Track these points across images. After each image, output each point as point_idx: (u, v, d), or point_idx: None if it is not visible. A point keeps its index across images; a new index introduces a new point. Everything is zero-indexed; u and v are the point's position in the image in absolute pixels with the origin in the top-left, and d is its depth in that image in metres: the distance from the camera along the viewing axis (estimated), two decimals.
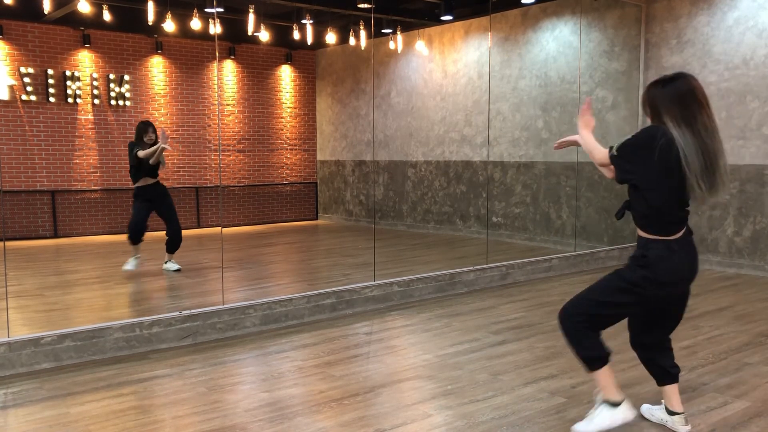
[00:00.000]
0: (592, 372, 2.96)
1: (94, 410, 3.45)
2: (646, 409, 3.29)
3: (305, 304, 5.27)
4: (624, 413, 2.94)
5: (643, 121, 7.96)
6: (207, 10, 8.97)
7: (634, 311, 3.06)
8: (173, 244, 7.02)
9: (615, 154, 2.99)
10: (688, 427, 3.11)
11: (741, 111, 7.11)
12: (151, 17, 8.28)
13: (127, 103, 10.45)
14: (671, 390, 3.12)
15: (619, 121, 8.16)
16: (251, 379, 3.96)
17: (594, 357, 2.95)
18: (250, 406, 3.50)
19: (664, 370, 3.14)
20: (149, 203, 6.91)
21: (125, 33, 10.34)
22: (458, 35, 9.99)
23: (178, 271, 6.96)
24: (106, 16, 8.80)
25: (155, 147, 6.70)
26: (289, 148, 12.35)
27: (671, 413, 3.13)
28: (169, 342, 4.58)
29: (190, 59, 11.04)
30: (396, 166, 11.12)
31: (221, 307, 4.88)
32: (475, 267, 6.45)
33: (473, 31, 9.78)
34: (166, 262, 7.05)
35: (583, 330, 2.95)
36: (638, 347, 3.21)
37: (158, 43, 10.64)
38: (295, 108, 12.39)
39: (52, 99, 9.88)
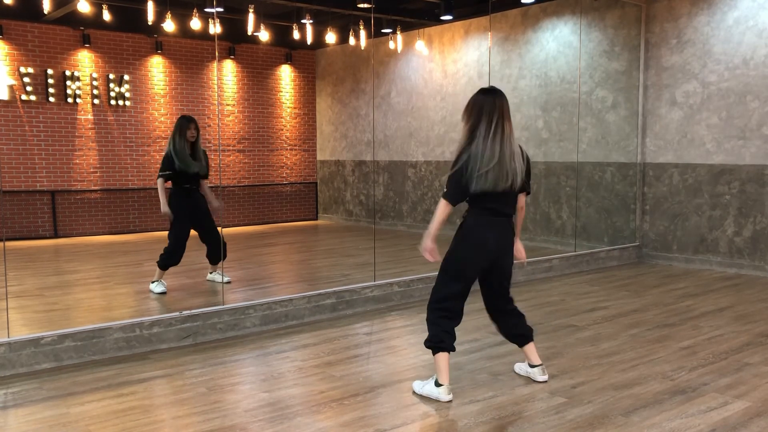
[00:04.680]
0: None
1: (94, 410, 3.45)
2: (517, 366, 3.99)
3: (305, 305, 5.27)
4: (441, 393, 3.57)
5: (643, 121, 7.96)
6: (207, 10, 8.97)
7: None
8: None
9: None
10: (545, 377, 3.82)
11: (741, 111, 7.10)
12: (150, 17, 8.27)
13: (127, 103, 10.45)
14: (529, 348, 3.82)
15: (619, 121, 8.16)
16: (251, 379, 3.96)
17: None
18: (250, 406, 3.50)
19: (523, 335, 3.81)
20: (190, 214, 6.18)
21: (125, 33, 10.34)
22: (458, 35, 9.99)
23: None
24: (106, 16, 8.80)
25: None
26: (289, 148, 12.35)
27: (532, 366, 3.85)
28: (169, 342, 4.58)
29: (190, 59, 11.04)
30: (396, 166, 11.12)
31: (221, 307, 4.88)
32: None
33: (473, 31, 9.78)
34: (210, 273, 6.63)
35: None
36: (500, 321, 3.85)
37: (158, 43, 10.64)
38: (295, 108, 12.39)
39: (51, 99, 9.88)
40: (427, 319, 3.65)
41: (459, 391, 3.69)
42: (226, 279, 6.35)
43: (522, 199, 3.72)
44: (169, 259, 6.06)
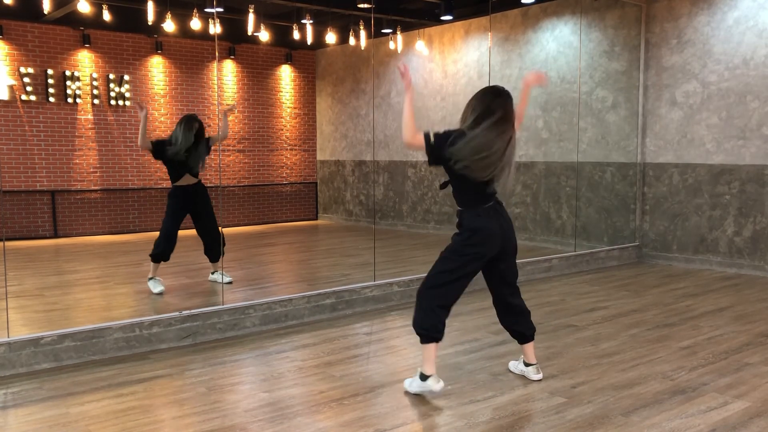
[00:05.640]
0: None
1: (94, 410, 3.45)
2: (511, 365, 4.01)
3: (305, 304, 5.27)
4: (431, 384, 3.54)
5: (643, 121, 7.96)
6: (207, 10, 8.97)
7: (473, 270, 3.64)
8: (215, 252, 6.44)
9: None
10: (540, 376, 3.84)
11: (741, 111, 7.10)
12: (151, 17, 8.27)
13: (127, 103, 10.45)
14: (527, 347, 3.85)
15: (619, 121, 8.16)
16: (251, 379, 3.96)
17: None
18: (250, 406, 3.50)
19: (522, 333, 3.84)
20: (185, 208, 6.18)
21: (125, 33, 10.34)
22: (458, 35, 9.99)
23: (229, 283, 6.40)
24: (106, 16, 8.80)
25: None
26: (289, 148, 12.35)
27: (527, 365, 3.87)
28: (169, 342, 4.58)
29: (190, 59, 11.04)
30: (396, 166, 11.11)
31: (221, 307, 4.88)
32: None
33: (473, 31, 9.78)
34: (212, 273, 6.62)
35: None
36: (502, 314, 3.85)
37: (158, 43, 10.64)
38: (295, 108, 12.39)
39: (51, 99, 9.88)
40: (421, 307, 3.59)
41: (459, 391, 3.69)
42: (227, 279, 6.36)
43: None
44: (158, 248, 6.02)
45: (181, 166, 6.11)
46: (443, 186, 3.74)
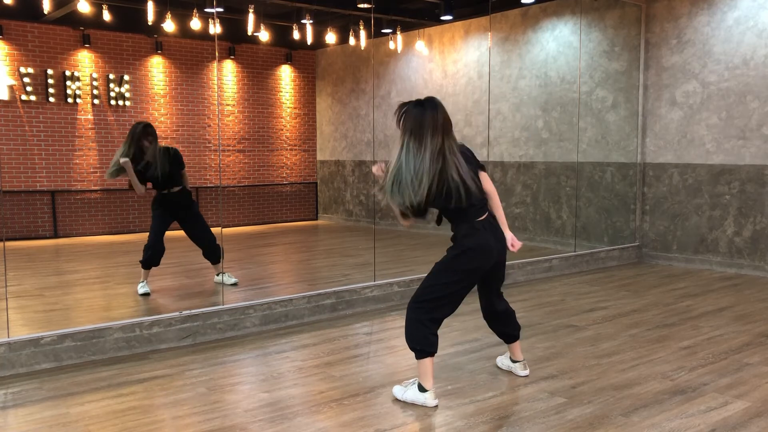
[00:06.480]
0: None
1: (94, 410, 3.45)
2: (498, 360, 4.07)
3: (305, 305, 5.27)
4: (428, 398, 3.48)
5: (643, 121, 7.96)
6: (207, 10, 8.97)
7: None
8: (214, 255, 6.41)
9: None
10: (527, 372, 3.91)
11: (741, 111, 7.10)
12: (151, 17, 8.27)
13: (127, 103, 10.44)
14: (514, 345, 3.92)
15: (619, 121, 8.16)
16: (251, 379, 3.96)
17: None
18: (250, 406, 3.50)
19: (510, 334, 3.89)
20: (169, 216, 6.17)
21: (125, 33, 10.33)
22: (458, 35, 9.99)
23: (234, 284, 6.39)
24: (106, 16, 8.79)
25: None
26: (289, 148, 12.35)
27: (514, 361, 3.95)
28: (169, 342, 4.58)
29: (190, 59, 11.03)
30: None
31: (221, 307, 4.88)
32: None
33: (473, 31, 9.78)
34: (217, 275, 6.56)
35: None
36: (490, 319, 3.86)
37: (158, 43, 10.64)
38: (295, 108, 12.39)
39: (51, 99, 9.87)
40: (412, 319, 3.48)
41: (459, 391, 3.69)
42: (232, 280, 6.36)
43: (486, 179, 3.60)
44: (146, 253, 6.01)
45: (155, 180, 6.05)
46: (439, 221, 3.73)
